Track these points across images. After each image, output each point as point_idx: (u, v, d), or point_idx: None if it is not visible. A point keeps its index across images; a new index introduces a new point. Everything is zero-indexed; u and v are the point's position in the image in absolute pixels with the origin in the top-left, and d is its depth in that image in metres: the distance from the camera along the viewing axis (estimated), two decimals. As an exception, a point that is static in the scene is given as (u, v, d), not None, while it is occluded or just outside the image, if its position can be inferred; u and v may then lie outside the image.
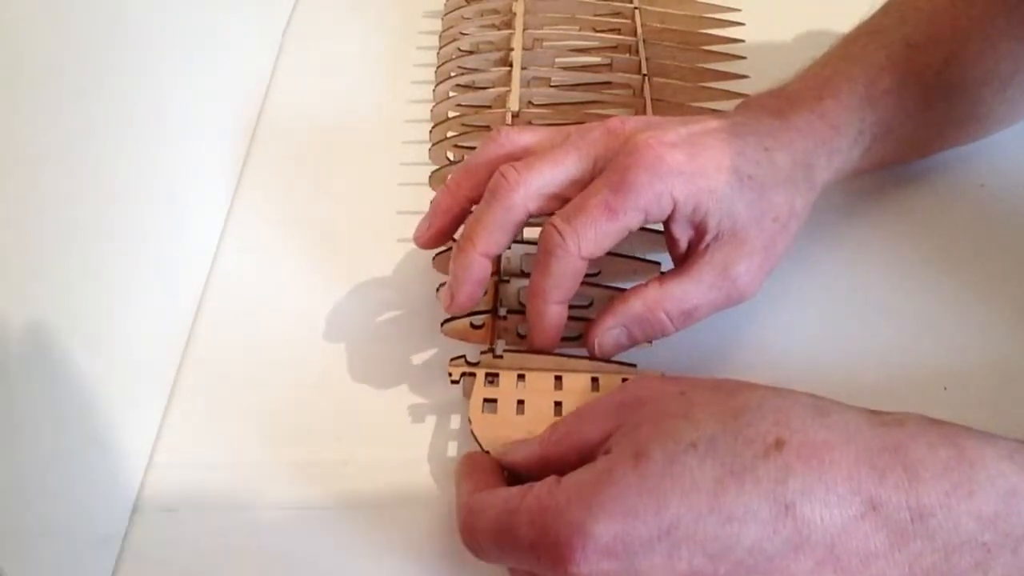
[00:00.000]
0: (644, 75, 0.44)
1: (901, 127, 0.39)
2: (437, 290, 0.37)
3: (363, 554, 0.32)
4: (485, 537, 0.28)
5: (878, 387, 0.36)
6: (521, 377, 0.34)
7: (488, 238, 0.33)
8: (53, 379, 0.29)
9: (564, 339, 0.35)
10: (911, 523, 0.25)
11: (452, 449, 0.35)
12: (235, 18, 0.47)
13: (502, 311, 0.36)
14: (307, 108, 0.50)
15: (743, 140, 0.34)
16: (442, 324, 0.36)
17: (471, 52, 0.48)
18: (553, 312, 0.33)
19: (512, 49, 0.46)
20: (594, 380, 0.33)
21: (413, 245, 0.36)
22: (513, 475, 0.31)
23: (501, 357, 0.34)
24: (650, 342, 0.35)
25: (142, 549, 0.32)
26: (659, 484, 0.25)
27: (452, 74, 0.47)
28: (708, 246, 0.33)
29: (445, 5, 0.52)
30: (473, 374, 0.34)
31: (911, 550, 0.24)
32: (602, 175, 0.32)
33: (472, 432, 0.32)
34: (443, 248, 0.38)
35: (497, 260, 0.36)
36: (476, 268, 0.33)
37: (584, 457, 0.28)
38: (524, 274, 0.36)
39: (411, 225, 0.35)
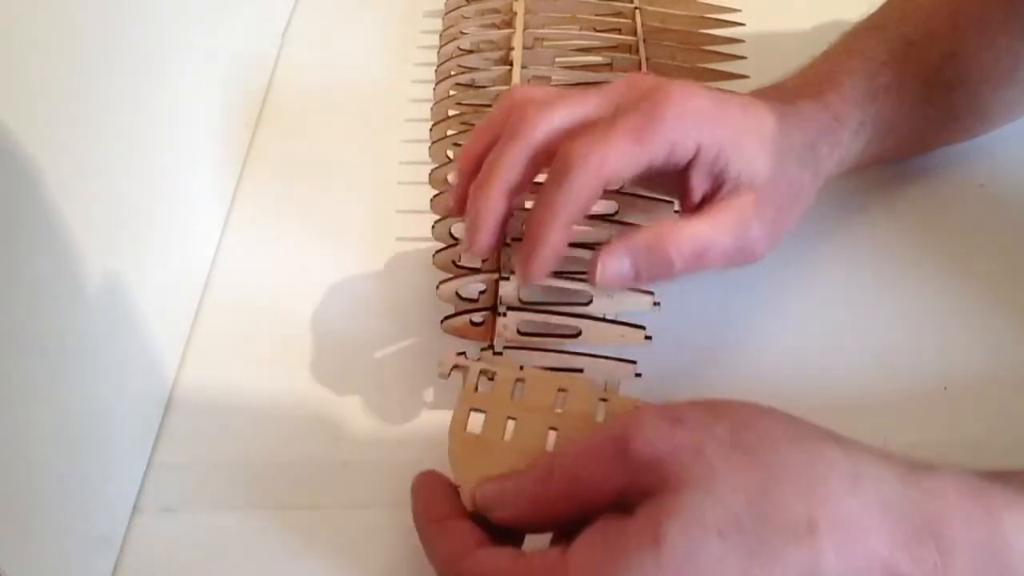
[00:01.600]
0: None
1: (901, 122, 0.39)
2: (437, 287, 0.37)
3: (363, 555, 0.32)
4: None
5: (878, 387, 0.36)
6: (520, 382, 0.31)
7: (506, 174, 0.31)
8: (53, 379, 0.29)
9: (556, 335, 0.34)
10: None
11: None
12: (235, 19, 0.47)
13: (502, 308, 0.36)
14: (307, 107, 0.50)
15: (761, 108, 0.34)
16: (442, 321, 0.36)
17: (471, 51, 0.48)
18: (554, 236, 0.30)
19: (512, 48, 0.46)
20: (603, 401, 0.31)
21: (413, 243, 0.36)
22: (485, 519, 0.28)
23: (501, 354, 0.34)
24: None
25: (142, 549, 0.32)
26: (682, 574, 0.23)
27: (452, 73, 0.47)
28: (725, 198, 0.33)
29: (445, 4, 0.51)
30: (466, 367, 0.32)
31: None
32: (630, 109, 0.31)
33: (449, 452, 0.30)
34: (443, 247, 0.38)
35: (497, 258, 0.36)
36: (493, 206, 0.31)
37: (584, 509, 0.26)
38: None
39: (411, 224, 0.35)
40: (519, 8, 0.48)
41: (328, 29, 0.55)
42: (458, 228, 0.39)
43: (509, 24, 0.48)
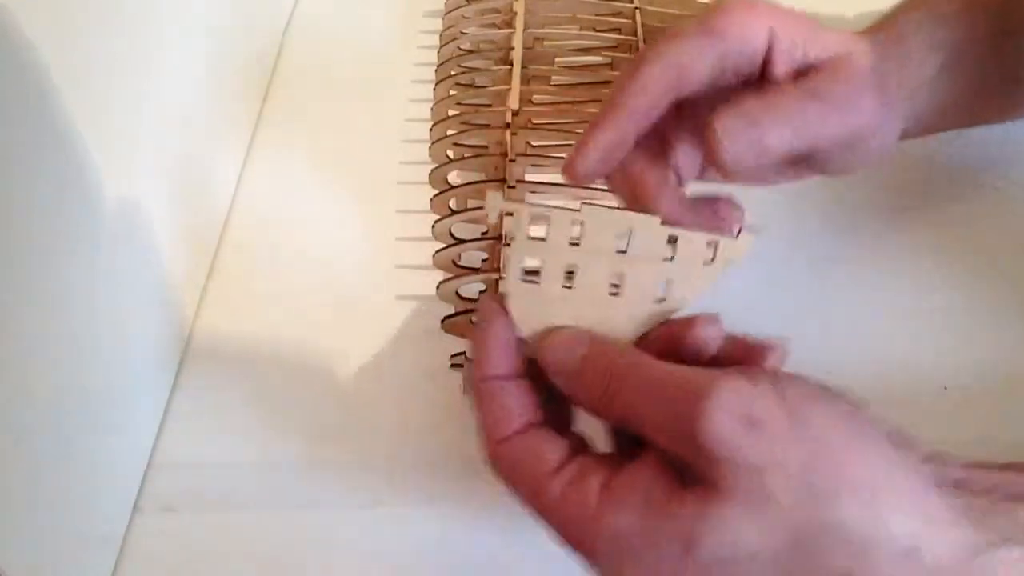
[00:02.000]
0: (644, 74, 0.44)
1: (967, 79, 0.36)
2: (437, 287, 0.37)
3: (363, 554, 0.32)
4: (511, 486, 0.25)
5: (878, 386, 0.36)
6: (574, 243, 0.26)
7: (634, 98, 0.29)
8: (53, 378, 0.29)
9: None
10: None
11: (453, 449, 0.35)
12: (236, 19, 0.47)
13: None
14: (307, 108, 0.50)
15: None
16: (442, 321, 0.36)
17: (471, 51, 0.48)
18: (613, 127, 0.28)
19: (512, 48, 0.46)
20: (671, 241, 0.26)
21: (413, 244, 0.36)
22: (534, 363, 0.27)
23: None
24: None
25: (142, 549, 0.32)
26: None
27: (452, 73, 0.47)
28: (819, 79, 0.30)
29: (446, 4, 0.52)
30: (518, 211, 0.26)
31: None
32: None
33: (506, 308, 0.27)
34: (443, 247, 0.38)
35: (497, 258, 0.36)
36: (618, 123, 0.29)
37: (635, 434, 0.25)
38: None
39: (410, 224, 0.35)
40: (519, 8, 0.48)
41: (328, 29, 0.55)
42: (458, 228, 0.39)
43: (509, 24, 0.48)
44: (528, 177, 0.40)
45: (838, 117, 0.30)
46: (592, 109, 0.45)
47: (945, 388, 0.36)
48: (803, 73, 0.30)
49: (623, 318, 0.27)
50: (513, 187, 0.38)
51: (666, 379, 0.25)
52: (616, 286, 0.27)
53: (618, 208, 0.27)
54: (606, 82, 0.46)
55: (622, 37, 0.48)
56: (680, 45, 0.29)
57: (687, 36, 0.29)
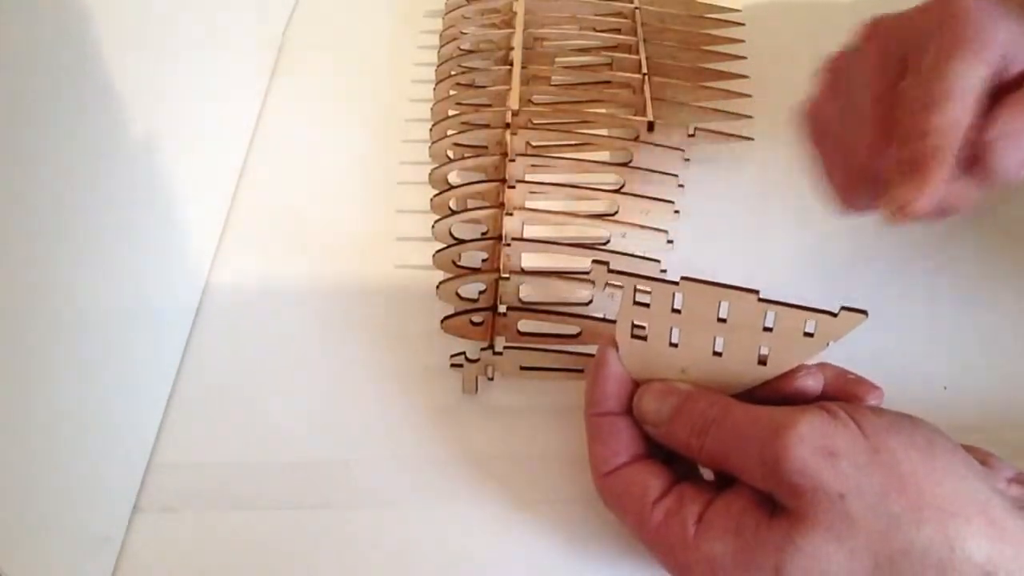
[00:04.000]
0: (644, 74, 0.44)
1: None
2: (437, 287, 0.37)
3: (363, 554, 0.32)
4: (618, 512, 0.28)
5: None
6: (676, 311, 0.28)
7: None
8: (53, 378, 0.29)
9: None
10: None
11: (452, 449, 0.35)
12: (236, 19, 0.47)
13: (502, 308, 0.36)
14: (307, 108, 0.49)
15: None
16: (442, 321, 0.36)
17: (471, 51, 0.48)
18: (942, 161, 0.28)
19: (512, 48, 0.46)
20: (767, 315, 0.27)
21: (412, 243, 0.36)
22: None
23: (501, 354, 0.34)
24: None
25: (142, 549, 0.32)
26: None
27: (452, 73, 0.47)
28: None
29: (446, 4, 0.52)
30: (622, 284, 0.28)
31: None
32: None
33: (618, 357, 0.29)
34: (443, 247, 0.38)
35: (497, 257, 0.36)
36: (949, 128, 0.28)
37: (717, 468, 0.28)
38: (524, 272, 0.37)
39: (410, 224, 0.35)
40: (519, 8, 0.48)
41: (328, 29, 0.55)
42: (458, 228, 0.39)
43: (509, 24, 0.48)
44: (528, 177, 0.40)
45: None
46: (592, 109, 0.45)
47: (945, 388, 0.36)
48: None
49: (727, 376, 0.29)
50: (513, 187, 0.38)
51: (751, 420, 0.27)
52: (719, 349, 0.28)
53: (715, 284, 0.28)
54: (606, 82, 0.47)
55: (622, 37, 0.48)
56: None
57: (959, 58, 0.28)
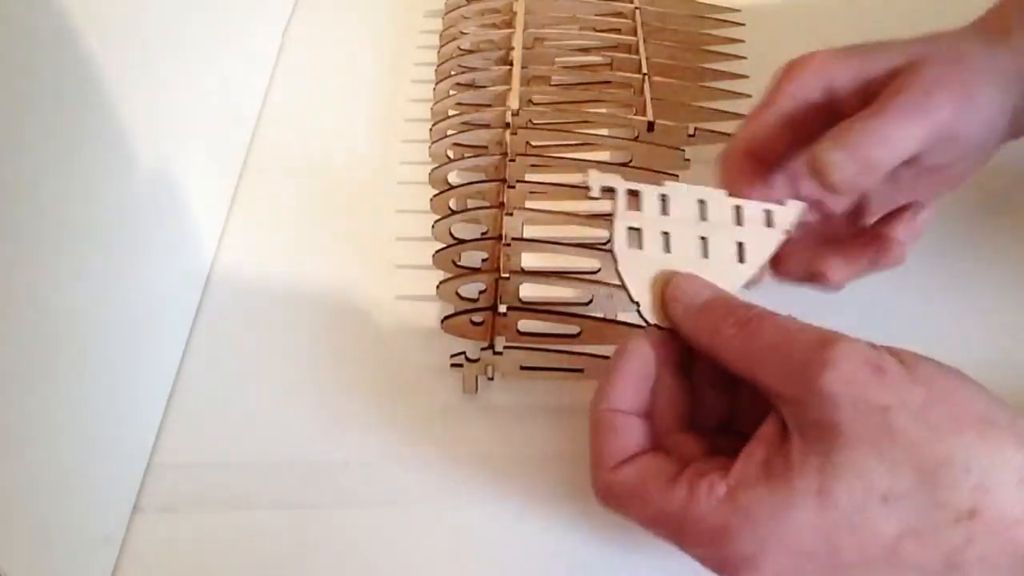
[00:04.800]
0: (644, 74, 0.44)
1: None
2: (437, 287, 0.37)
3: (363, 554, 0.32)
4: (629, 506, 0.27)
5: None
6: (664, 202, 0.32)
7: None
8: (53, 378, 0.29)
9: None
10: None
11: (452, 449, 0.35)
12: (236, 19, 0.47)
13: (502, 308, 0.36)
14: (307, 108, 0.49)
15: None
16: (442, 321, 0.36)
17: (471, 51, 0.48)
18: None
19: (512, 48, 0.46)
20: (737, 209, 0.32)
21: (412, 243, 0.36)
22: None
23: (500, 354, 0.34)
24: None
25: (142, 549, 0.32)
26: (838, 530, 0.24)
27: (452, 73, 0.47)
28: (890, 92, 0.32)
29: (446, 4, 0.52)
30: (614, 189, 0.32)
31: None
32: None
33: (617, 271, 0.31)
34: (443, 247, 0.38)
35: (497, 257, 0.36)
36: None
37: (747, 383, 0.27)
38: (524, 272, 0.37)
39: (410, 224, 0.35)
40: (519, 8, 0.48)
41: (328, 29, 0.55)
42: (458, 228, 0.39)
43: (509, 24, 0.48)
44: (528, 177, 0.40)
45: (909, 124, 0.31)
46: (592, 109, 0.45)
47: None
48: (871, 96, 0.32)
49: (715, 277, 0.30)
50: (513, 187, 0.38)
51: (798, 328, 0.27)
52: (705, 250, 0.31)
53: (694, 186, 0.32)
54: (606, 82, 0.47)
55: (622, 37, 0.48)
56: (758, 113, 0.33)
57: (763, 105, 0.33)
